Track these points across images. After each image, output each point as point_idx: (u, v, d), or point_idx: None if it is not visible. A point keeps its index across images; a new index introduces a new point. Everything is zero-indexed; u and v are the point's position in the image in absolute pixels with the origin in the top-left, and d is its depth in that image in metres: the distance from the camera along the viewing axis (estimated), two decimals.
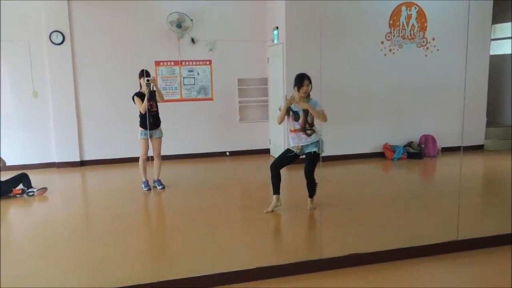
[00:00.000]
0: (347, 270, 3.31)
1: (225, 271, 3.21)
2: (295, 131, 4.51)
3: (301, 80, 4.43)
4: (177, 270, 3.33)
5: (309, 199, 4.67)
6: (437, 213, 4.63)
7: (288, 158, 4.57)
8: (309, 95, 4.47)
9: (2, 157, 5.69)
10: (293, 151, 4.53)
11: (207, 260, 3.53)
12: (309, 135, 4.47)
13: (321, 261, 3.32)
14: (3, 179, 5.65)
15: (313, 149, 4.46)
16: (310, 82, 4.44)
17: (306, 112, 4.42)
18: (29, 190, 5.62)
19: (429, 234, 3.89)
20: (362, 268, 3.34)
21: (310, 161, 4.50)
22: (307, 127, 4.47)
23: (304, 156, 4.58)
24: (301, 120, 4.45)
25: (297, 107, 4.45)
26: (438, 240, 3.64)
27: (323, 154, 4.52)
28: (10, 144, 6.77)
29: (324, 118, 4.44)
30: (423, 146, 7.70)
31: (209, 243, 3.92)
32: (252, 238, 4.04)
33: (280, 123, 4.67)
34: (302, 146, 4.50)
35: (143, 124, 5.55)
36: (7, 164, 5.79)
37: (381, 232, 4.05)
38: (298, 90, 4.43)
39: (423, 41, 7.69)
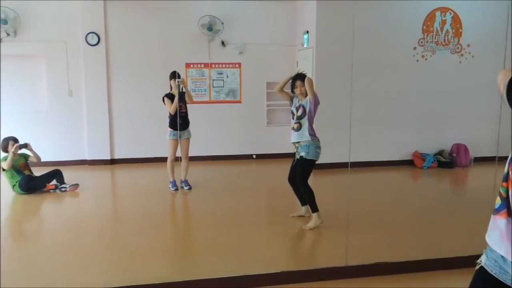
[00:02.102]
0: (373, 279, 3.26)
1: (249, 274, 3.22)
2: (292, 130, 4.41)
3: (293, 80, 4.32)
4: (201, 270, 3.36)
5: (302, 207, 4.60)
6: (468, 225, 4.50)
7: (295, 168, 4.41)
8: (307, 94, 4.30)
9: (37, 152, 5.92)
10: (295, 159, 4.41)
11: (231, 261, 3.54)
12: (295, 130, 4.31)
13: (347, 268, 3.28)
14: (38, 174, 5.86)
15: (301, 153, 4.28)
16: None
17: (297, 109, 4.31)
18: (62, 185, 5.80)
19: (459, 246, 3.79)
20: (389, 277, 3.28)
21: (298, 167, 4.32)
22: (295, 120, 4.31)
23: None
24: (295, 118, 4.34)
25: (295, 105, 4.36)
26: (469, 253, 3.53)
27: (321, 161, 4.34)
28: (45, 141, 6.99)
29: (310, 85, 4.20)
30: (454, 155, 7.50)
31: (233, 244, 3.94)
32: (277, 242, 4.03)
33: (276, 90, 4.56)
34: (296, 147, 4.36)
35: (172, 125, 5.66)
36: (42, 160, 6.02)
37: (409, 241, 3.97)
38: (292, 90, 4.35)
39: (458, 48, 7.51)
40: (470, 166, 7.49)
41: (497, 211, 1.76)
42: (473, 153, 7.60)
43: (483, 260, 2.17)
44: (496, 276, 2.05)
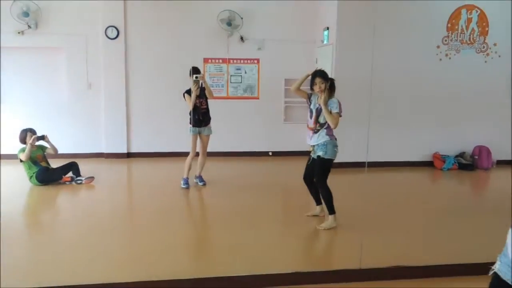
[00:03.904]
0: (386, 283, 3.17)
1: (262, 273, 3.17)
2: (309, 128, 4.28)
3: (313, 77, 4.17)
4: (213, 268, 3.33)
5: (317, 206, 4.52)
6: (487, 230, 4.34)
7: (311, 167, 4.32)
8: (331, 93, 4.15)
9: (54, 144, 5.97)
10: (311, 157, 4.31)
11: (244, 260, 3.49)
12: (314, 132, 4.18)
13: (361, 271, 3.19)
14: (54, 166, 5.92)
15: (318, 153, 4.18)
16: (326, 80, 4.12)
17: (318, 110, 4.17)
18: (78, 178, 5.84)
19: (477, 251, 3.65)
20: (403, 282, 3.19)
21: (317, 166, 4.20)
22: (317, 127, 4.17)
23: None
24: (313, 118, 4.22)
25: (315, 105, 4.23)
26: (486, 259, 3.39)
27: (337, 160, 4.20)
28: (62, 133, 7.06)
29: (332, 122, 4.04)
30: (476, 157, 7.29)
31: (246, 243, 3.88)
32: (290, 241, 3.96)
33: (292, 89, 4.41)
34: (313, 146, 4.25)
35: (192, 121, 5.60)
36: (59, 152, 6.07)
37: (425, 245, 3.85)
38: (311, 87, 4.22)
39: (483, 47, 7.27)
40: (492, 169, 7.27)
41: None
42: (496, 156, 7.37)
43: (497, 266, 2.08)
44: (509, 283, 1.97)
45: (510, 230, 2.05)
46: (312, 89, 4.23)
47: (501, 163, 7.40)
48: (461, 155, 7.36)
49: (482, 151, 7.28)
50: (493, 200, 5.69)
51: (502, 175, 6.90)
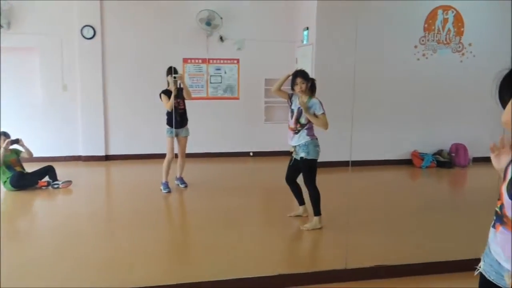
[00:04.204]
0: (373, 282, 3.18)
1: (245, 277, 3.12)
2: (289, 129, 4.25)
3: (294, 77, 4.14)
4: (196, 273, 3.26)
5: (300, 206, 4.51)
6: (467, 227, 4.42)
7: (292, 167, 4.30)
8: (311, 93, 4.15)
9: (29, 148, 5.79)
10: (292, 158, 4.27)
11: (227, 263, 3.44)
12: (295, 133, 4.15)
13: (346, 271, 3.19)
14: (29, 170, 5.73)
15: (300, 154, 4.11)
16: (307, 80, 4.10)
17: (299, 111, 4.14)
18: (55, 182, 5.67)
19: (459, 248, 3.70)
20: (389, 280, 3.20)
21: (302, 169, 4.17)
22: (298, 127, 4.14)
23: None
24: (294, 118, 4.19)
25: (296, 105, 4.20)
26: (469, 256, 3.44)
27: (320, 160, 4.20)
28: (38, 136, 6.84)
29: (322, 125, 4.02)
30: (453, 155, 7.42)
31: (229, 245, 3.83)
32: (274, 243, 3.93)
33: (273, 90, 4.38)
34: (294, 147, 4.22)
35: (169, 122, 5.46)
36: (34, 155, 5.88)
37: (408, 243, 3.88)
38: (292, 87, 4.19)
39: (459, 47, 7.42)
40: (469, 166, 7.42)
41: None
42: (472, 153, 7.53)
43: (481, 266, 2.10)
44: (494, 282, 1.98)
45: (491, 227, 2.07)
46: (293, 89, 4.21)
47: (477, 160, 7.56)
48: (439, 152, 7.49)
49: (459, 148, 7.43)
50: (473, 198, 5.77)
51: (479, 172, 7.05)
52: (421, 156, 7.34)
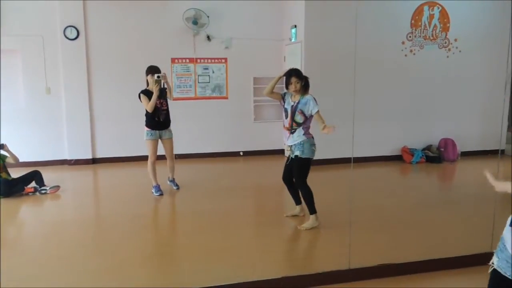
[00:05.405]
0: (377, 282, 3.16)
1: (245, 281, 3.05)
2: (285, 128, 4.23)
3: (288, 77, 4.10)
4: (191, 278, 3.15)
5: (296, 206, 4.47)
6: (466, 222, 4.45)
7: (289, 167, 4.26)
8: (305, 91, 4.12)
9: (15, 153, 5.59)
10: (289, 158, 4.23)
11: (224, 267, 3.34)
12: (291, 133, 4.12)
13: (350, 272, 3.15)
14: (15, 176, 5.55)
15: (295, 153, 4.08)
16: (301, 79, 4.08)
17: (293, 109, 4.12)
18: (42, 188, 5.50)
19: (458, 245, 3.73)
20: (394, 279, 3.18)
21: (295, 166, 4.14)
22: (294, 126, 4.11)
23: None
24: (289, 117, 4.15)
25: (289, 103, 4.18)
26: (471, 251, 3.46)
27: (315, 158, 4.19)
28: (22, 141, 6.65)
29: (324, 121, 4.02)
30: (442, 150, 7.50)
31: (226, 249, 3.74)
32: (273, 244, 3.87)
33: (265, 93, 4.30)
34: (290, 146, 4.19)
35: (150, 124, 5.20)
36: (20, 160, 5.69)
37: (406, 241, 3.88)
38: (287, 87, 4.15)
39: (445, 42, 7.48)
40: (458, 161, 7.50)
41: None
42: (460, 147, 7.62)
43: (495, 262, 2.08)
44: (511, 278, 1.96)
45: (507, 225, 2.05)
46: (287, 88, 4.17)
47: (465, 154, 7.66)
48: (428, 148, 7.55)
49: (447, 143, 7.50)
50: (462, 191, 5.83)
51: (468, 166, 7.14)
52: (411, 152, 7.39)
